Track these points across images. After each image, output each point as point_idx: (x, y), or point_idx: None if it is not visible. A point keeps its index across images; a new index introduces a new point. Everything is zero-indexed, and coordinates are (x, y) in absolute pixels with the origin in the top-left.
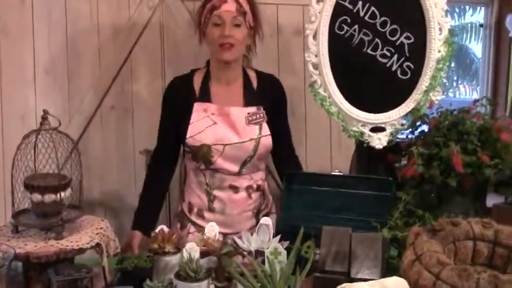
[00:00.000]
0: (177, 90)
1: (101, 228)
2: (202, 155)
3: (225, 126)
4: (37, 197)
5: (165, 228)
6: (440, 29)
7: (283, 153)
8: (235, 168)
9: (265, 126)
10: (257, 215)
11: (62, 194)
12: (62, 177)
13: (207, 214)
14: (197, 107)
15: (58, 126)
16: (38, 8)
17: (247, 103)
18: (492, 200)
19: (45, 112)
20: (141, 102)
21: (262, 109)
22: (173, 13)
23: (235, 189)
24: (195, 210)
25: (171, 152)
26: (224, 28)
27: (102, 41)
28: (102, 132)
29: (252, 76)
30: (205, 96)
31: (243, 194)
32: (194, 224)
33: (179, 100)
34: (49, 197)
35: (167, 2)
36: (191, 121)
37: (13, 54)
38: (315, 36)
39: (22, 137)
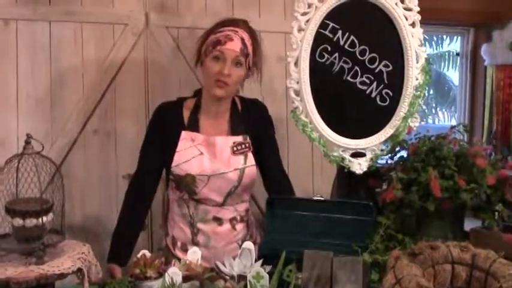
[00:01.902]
0: (166, 116)
1: (83, 253)
2: (186, 185)
3: (210, 157)
4: (18, 221)
5: (147, 253)
6: (417, 58)
7: (273, 177)
8: (219, 198)
9: (250, 156)
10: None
11: (44, 218)
12: (43, 201)
13: (191, 248)
14: (184, 135)
15: (41, 150)
16: (22, 32)
17: (233, 132)
18: (470, 224)
19: (29, 136)
20: (124, 126)
21: (248, 138)
22: (157, 39)
23: (219, 221)
24: (179, 244)
25: (152, 179)
26: (224, 65)
27: (86, 66)
28: (85, 156)
29: (238, 103)
30: (193, 126)
31: (227, 226)
32: (179, 259)
33: (167, 126)
34: (30, 222)
35: (151, 29)
36: (177, 149)
37: None
38: (296, 64)
39: (4, 161)
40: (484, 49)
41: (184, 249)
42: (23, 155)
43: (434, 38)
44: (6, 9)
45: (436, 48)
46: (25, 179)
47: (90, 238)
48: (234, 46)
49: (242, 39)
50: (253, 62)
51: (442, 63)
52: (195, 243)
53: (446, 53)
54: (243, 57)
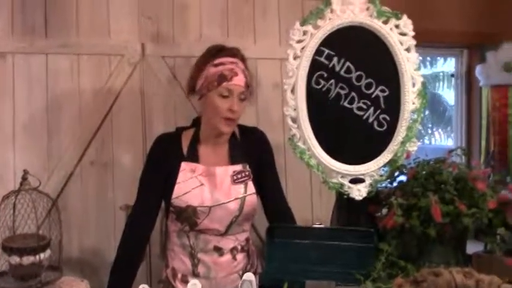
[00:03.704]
0: (165, 147)
1: None
2: (187, 216)
3: (211, 187)
4: (15, 259)
5: None
6: (413, 82)
7: (274, 204)
8: (221, 228)
9: (250, 184)
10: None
11: (41, 255)
12: (41, 238)
13: (191, 280)
14: (184, 166)
15: (38, 186)
16: (19, 65)
17: (232, 161)
18: (472, 248)
19: (26, 172)
20: (121, 156)
21: (247, 167)
22: (153, 69)
23: (219, 251)
24: (179, 276)
25: (151, 211)
26: (233, 102)
27: (83, 97)
28: (82, 188)
29: (236, 131)
30: (193, 156)
31: (227, 256)
32: None
33: (167, 158)
34: (27, 259)
35: (147, 59)
36: (178, 181)
37: None
38: (292, 91)
39: (1, 197)
40: (478, 70)
41: (185, 281)
42: (19, 191)
43: (428, 59)
44: (2, 42)
45: (430, 69)
46: (22, 215)
47: (88, 272)
48: (239, 81)
49: (243, 71)
50: (250, 91)
51: (437, 84)
52: (195, 274)
53: (441, 73)
54: (246, 91)
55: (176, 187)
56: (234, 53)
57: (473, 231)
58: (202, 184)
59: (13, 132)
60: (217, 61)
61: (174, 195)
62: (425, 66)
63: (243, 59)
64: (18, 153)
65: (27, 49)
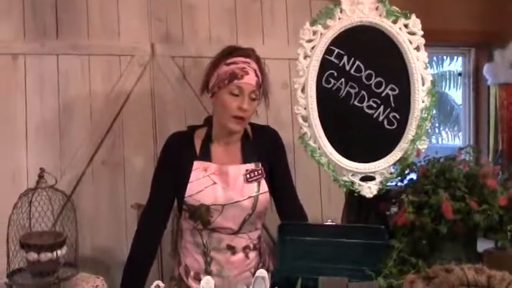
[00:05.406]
0: (178, 147)
1: (97, 286)
2: (200, 215)
3: (224, 185)
4: (33, 255)
5: (161, 284)
6: (423, 81)
7: (287, 203)
8: (234, 227)
9: (263, 182)
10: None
11: (58, 252)
12: (57, 234)
13: (204, 277)
14: (197, 165)
15: (54, 184)
16: (31, 66)
17: (245, 160)
18: (483, 245)
19: (42, 170)
20: (132, 156)
21: (260, 165)
22: (163, 69)
23: (232, 249)
24: (192, 273)
25: (164, 209)
26: (243, 101)
27: (94, 98)
28: (94, 187)
29: (248, 130)
30: (205, 155)
31: (240, 255)
32: None
33: (179, 157)
34: (45, 256)
35: (157, 59)
36: (190, 180)
37: (5, 113)
38: (303, 90)
39: (15, 195)
40: (486, 69)
41: (198, 279)
42: (36, 189)
43: (435, 58)
44: (15, 45)
45: (437, 68)
46: (38, 212)
47: (100, 270)
48: (250, 80)
49: (255, 71)
50: (263, 92)
51: (444, 83)
52: (208, 272)
53: (447, 73)
54: (258, 90)
55: (189, 186)
56: (248, 53)
57: (484, 229)
58: (215, 183)
59: (26, 132)
60: (230, 60)
61: (187, 194)
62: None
63: (258, 60)
64: (30, 152)
65: (39, 50)
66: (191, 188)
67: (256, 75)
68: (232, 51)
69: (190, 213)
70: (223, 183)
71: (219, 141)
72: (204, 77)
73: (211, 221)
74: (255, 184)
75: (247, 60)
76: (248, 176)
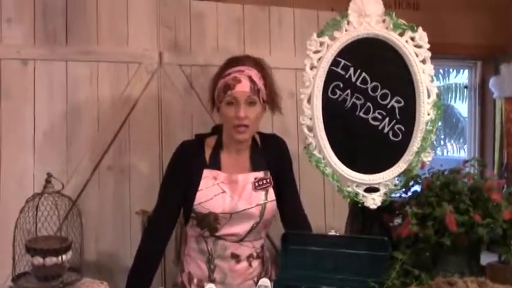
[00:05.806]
0: (189, 155)
1: None
2: (209, 223)
3: (232, 194)
4: (38, 260)
5: None
6: (428, 93)
7: (291, 213)
8: (240, 234)
9: (271, 191)
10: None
11: (64, 256)
12: (63, 239)
13: (207, 285)
14: (206, 173)
15: (61, 189)
16: (40, 72)
17: (254, 168)
18: (486, 259)
19: (49, 175)
20: (138, 163)
21: (268, 174)
22: (171, 77)
23: (237, 258)
24: (195, 281)
25: (172, 217)
26: (239, 109)
27: (101, 104)
28: (99, 193)
29: (257, 139)
30: (215, 164)
31: (244, 264)
32: None
33: (190, 165)
34: (50, 260)
35: (165, 67)
36: (200, 188)
37: (14, 118)
38: (309, 101)
39: (22, 200)
40: (492, 82)
41: (201, 286)
42: (43, 194)
43: (441, 71)
44: (25, 50)
45: (443, 81)
46: (44, 217)
47: (104, 275)
48: (243, 87)
49: (250, 77)
50: (268, 94)
51: (450, 95)
52: (211, 280)
53: (453, 85)
54: (255, 95)
55: (198, 194)
56: (243, 61)
57: (487, 243)
58: (223, 191)
59: (33, 137)
60: (225, 73)
61: (196, 202)
62: (437, 79)
63: (256, 64)
64: (37, 157)
65: (48, 56)
66: (200, 196)
67: (251, 81)
68: (228, 64)
69: (198, 220)
70: (231, 192)
71: (229, 149)
72: (209, 94)
73: (218, 228)
74: (263, 192)
75: (241, 68)
76: (257, 184)
